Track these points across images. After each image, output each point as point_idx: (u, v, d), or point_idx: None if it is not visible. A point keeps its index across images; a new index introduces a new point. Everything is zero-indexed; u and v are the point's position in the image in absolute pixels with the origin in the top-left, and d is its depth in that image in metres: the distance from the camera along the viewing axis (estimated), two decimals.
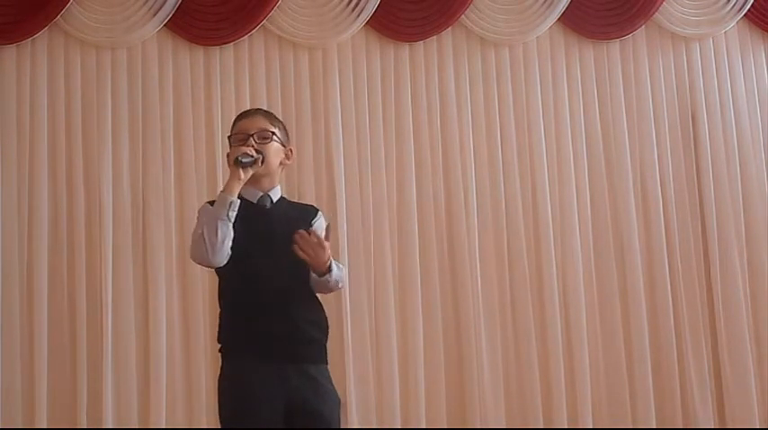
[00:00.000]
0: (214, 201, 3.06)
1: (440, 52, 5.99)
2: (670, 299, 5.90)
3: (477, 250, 5.79)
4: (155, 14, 5.64)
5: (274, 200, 3.13)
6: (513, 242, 5.85)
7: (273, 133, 3.11)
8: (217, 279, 3.14)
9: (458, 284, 5.73)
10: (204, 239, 2.91)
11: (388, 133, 5.86)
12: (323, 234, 3.04)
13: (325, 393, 3.04)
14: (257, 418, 2.92)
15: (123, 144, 5.60)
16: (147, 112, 5.65)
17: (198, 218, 3.03)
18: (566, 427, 5.67)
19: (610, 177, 6.02)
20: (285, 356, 2.99)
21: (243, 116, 3.17)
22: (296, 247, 2.96)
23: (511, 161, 5.94)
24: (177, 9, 5.66)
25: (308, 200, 5.60)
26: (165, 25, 5.68)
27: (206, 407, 5.42)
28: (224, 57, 5.77)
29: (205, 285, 5.53)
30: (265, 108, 5.55)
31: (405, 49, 5.96)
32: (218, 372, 3.07)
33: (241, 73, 5.76)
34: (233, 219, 2.93)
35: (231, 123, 3.21)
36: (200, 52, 5.77)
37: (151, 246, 5.52)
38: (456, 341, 5.73)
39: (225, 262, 2.94)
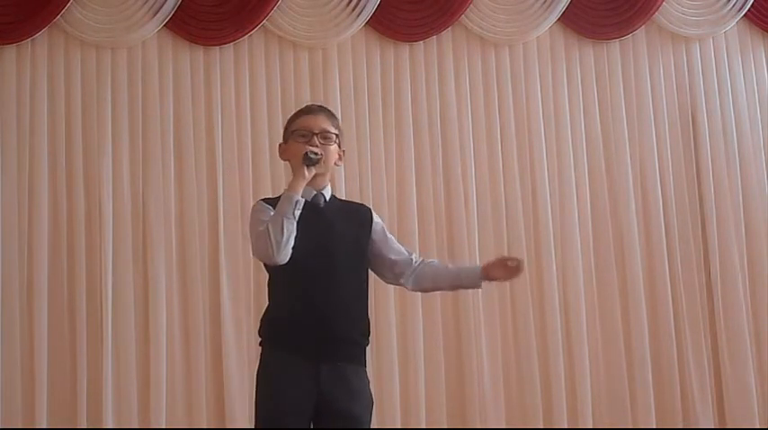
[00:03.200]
0: (269, 199, 3.11)
1: (440, 52, 5.99)
2: (670, 299, 5.90)
3: (477, 250, 5.79)
4: (155, 14, 5.64)
5: (327, 198, 3.16)
6: (513, 242, 5.85)
7: (337, 135, 3.15)
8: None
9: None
10: (270, 237, 2.92)
11: (388, 133, 5.86)
12: (387, 234, 3.22)
13: (358, 394, 3.04)
14: (282, 414, 2.93)
15: (123, 144, 5.60)
16: (147, 112, 5.65)
17: (253, 216, 3.06)
18: (566, 427, 5.67)
19: (610, 177, 6.02)
20: (320, 354, 2.99)
21: (306, 112, 3.18)
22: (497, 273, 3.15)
23: (511, 161, 5.94)
24: (177, 9, 5.66)
25: None
26: (165, 25, 5.68)
27: (206, 407, 5.42)
28: (224, 57, 5.77)
29: (205, 285, 5.54)
30: (263, 109, 5.66)
31: (405, 49, 5.96)
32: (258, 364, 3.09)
33: (241, 73, 5.76)
34: (297, 218, 2.95)
35: (292, 115, 3.21)
36: (200, 52, 5.77)
37: (151, 247, 5.51)
38: (456, 341, 5.73)
39: (287, 260, 2.95)
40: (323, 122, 3.13)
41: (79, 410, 5.31)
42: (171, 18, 5.66)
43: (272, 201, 3.07)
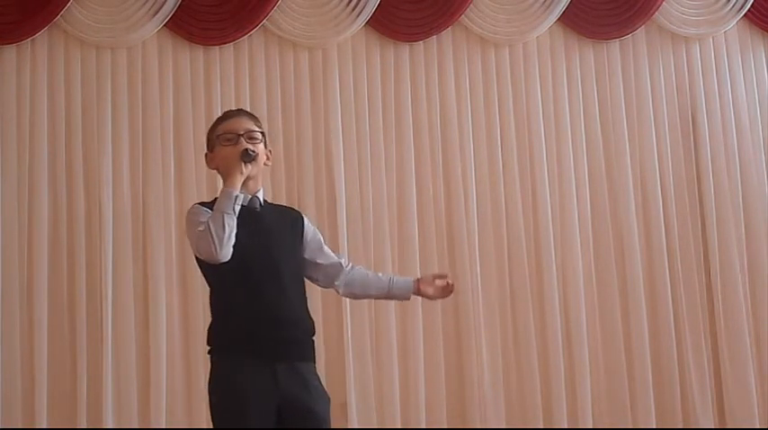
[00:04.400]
0: (204, 202, 3.10)
1: (440, 52, 5.99)
2: (670, 299, 5.90)
3: (477, 250, 5.79)
4: (155, 14, 5.64)
5: (261, 202, 3.16)
6: (513, 242, 5.85)
7: (263, 133, 3.15)
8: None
9: (458, 284, 5.69)
10: (211, 233, 2.90)
11: (388, 133, 5.86)
12: (317, 236, 3.25)
13: (316, 391, 3.06)
14: (249, 418, 2.93)
15: (123, 144, 5.60)
16: (147, 112, 5.65)
17: (190, 218, 3.04)
18: (566, 427, 5.67)
19: (610, 177, 6.02)
20: (275, 355, 3.00)
21: (227, 117, 3.16)
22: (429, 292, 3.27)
23: (511, 161, 5.94)
24: (177, 9, 5.66)
25: (308, 200, 5.62)
26: (165, 25, 5.68)
27: (206, 407, 5.38)
28: (224, 57, 5.77)
29: (205, 285, 5.50)
30: (263, 109, 5.66)
31: (405, 49, 5.96)
32: (208, 375, 3.07)
33: (241, 73, 5.76)
34: (237, 213, 2.95)
35: (212, 124, 3.19)
36: (200, 52, 5.77)
37: (151, 246, 5.52)
38: (456, 341, 5.73)
39: (229, 257, 2.94)
40: (246, 123, 3.12)
41: (79, 410, 5.31)
42: (171, 18, 5.66)
43: (209, 205, 3.06)
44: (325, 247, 3.28)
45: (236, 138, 3.07)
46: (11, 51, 5.57)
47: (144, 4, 5.64)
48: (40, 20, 5.52)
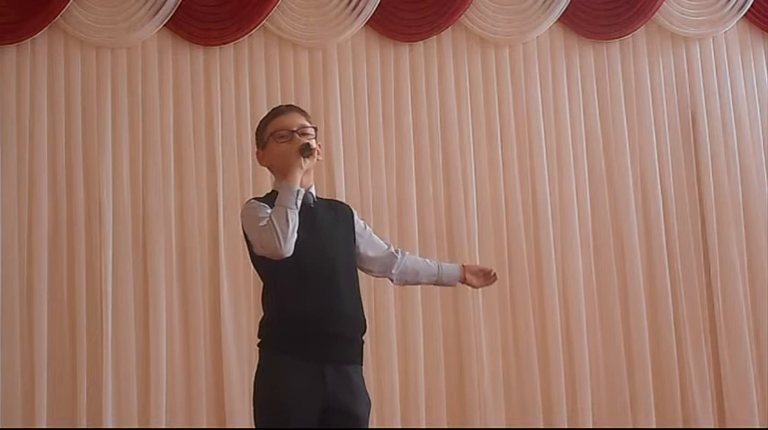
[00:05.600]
0: (259, 198, 3.08)
1: (440, 52, 5.99)
2: (670, 299, 5.91)
3: (477, 250, 5.79)
4: (155, 14, 5.64)
5: (315, 197, 3.15)
6: (513, 242, 5.85)
7: (316, 129, 3.14)
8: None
9: (458, 284, 5.70)
10: (275, 228, 2.88)
11: (388, 133, 5.86)
12: (367, 229, 3.25)
13: (360, 394, 3.06)
14: (291, 415, 2.92)
15: (123, 144, 5.60)
16: (147, 112, 5.65)
17: (250, 214, 3.01)
18: (566, 427, 5.67)
19: (610, 177, 6.03)
20: (324, 355, 2.99)
21: (279, 113, 3.14)
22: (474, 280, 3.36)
23: (511, 161, 5.94)
24: (177, 9, 5.66)
25: None
26: (165, 25, 5.68)
27: (206, 408, 5.42)
28: (224, 57, 5.77)
29: (205, 285, 5.54)
30: (263, 109, 5.65)
31: (405, 49, 5.96)
32: (256, 367, 3.06)
33: (241, 73, 5.76)
34: (299, 207, 2.94)
35: (262, 120, 3.16)
36: (200, 52, 5.77)
37: (151, 246, 5.51)
38: (456, 340, 5.73)
39: (292, 252, 2.92)
40: (298, 119, 3.11)
41: (79, 410, 5.30)
42: (171, 18, 5.66)
43: (263, 200, 3.05)
44: (375, 237, 3.28)
45: (290, 134, 3.05)
46: (11, 51, 5.57)
47: (144, 4, 5.64)
48: (40, 20, 5.52)
